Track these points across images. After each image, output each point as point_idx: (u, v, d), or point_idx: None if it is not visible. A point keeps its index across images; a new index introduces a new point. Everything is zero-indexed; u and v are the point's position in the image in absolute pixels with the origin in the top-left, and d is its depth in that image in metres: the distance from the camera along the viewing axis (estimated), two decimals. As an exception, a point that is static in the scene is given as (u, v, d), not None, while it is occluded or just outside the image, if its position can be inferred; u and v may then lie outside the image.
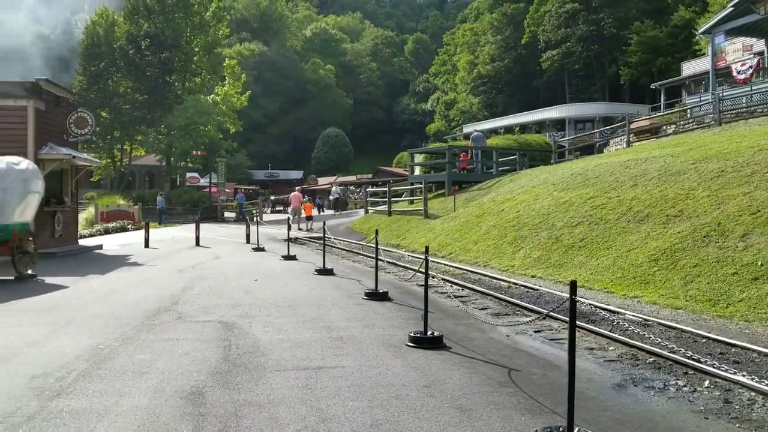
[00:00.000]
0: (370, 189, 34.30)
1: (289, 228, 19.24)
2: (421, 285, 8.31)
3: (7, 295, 10.64)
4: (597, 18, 60.22)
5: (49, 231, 18.67)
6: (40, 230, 17.30)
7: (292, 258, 16.74)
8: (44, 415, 4.82)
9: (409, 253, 17.35)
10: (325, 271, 13.63)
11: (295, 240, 22.55)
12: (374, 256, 11.14)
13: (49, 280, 12.75)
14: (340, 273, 13.81)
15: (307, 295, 10.73)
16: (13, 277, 12.68)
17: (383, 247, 14.88)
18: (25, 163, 13.94)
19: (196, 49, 47.37)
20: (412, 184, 27.77)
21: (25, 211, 13.67)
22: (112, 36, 46.56)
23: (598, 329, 7.89)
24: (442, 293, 10.91)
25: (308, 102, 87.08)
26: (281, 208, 51.47)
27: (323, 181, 64.37)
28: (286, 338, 7.49)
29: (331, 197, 46.98)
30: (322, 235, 15.47)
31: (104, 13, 47.97)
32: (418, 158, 29.57)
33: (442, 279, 11.31)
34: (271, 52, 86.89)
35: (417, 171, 28.68)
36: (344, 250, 19.50)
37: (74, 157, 19.19)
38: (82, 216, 28.97)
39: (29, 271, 13.13)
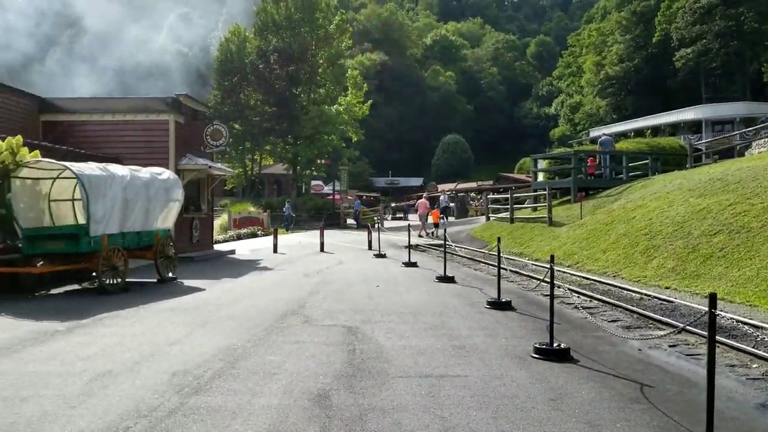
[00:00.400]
0: (491, 196, 33.90)
1: (411, 235, 19.38)
2: (546, 295, 8.08)
3: (150, 297, 11.45)
4: (736, 12, 56.29)
5: (188, 236, 19.93)
6: (180, 236, 18.49)
7: (413, 265, 16.86)
8: (184, 411, 5.13)
9: (533, 262, 16.97)
10: (446, 279, 13.60)
11: (416, 247, 22.70)
12: (496, 264, 10.97)
13: (187, 282, 13.60)
14: (461, 281, 13.75)
15: (428, 302, 10.76)
16: (155, 280, 13.67)
17: (505, 255, 14.61)
18: (167, 173, 14.96)
19: (321, 61, 48.96)
20: (535, 190, 27.15)
21: (167, 218, 14.66)
22: (243, 52, 49.06)
23: (739, 345, 7.37)
24: (568, 304, 10.57)
25: (428, 109, 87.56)
26: (401, 215, 52.00)
27: (443, 188, 64.39)
28: (408, 345, 7.54)
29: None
30: (442, 242, 15.46)
31: (236, 31, 50.69)
32: (542, 164, 28.85)
33: (569, 289, 10.95)
34: (392, 61, 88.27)
35: (540, 177, 28.01)
36: (465, 257, 19.38)
37: (210, 167, 20.39)
38: (217, 222, 30.64)
39: (170, 274, 14.08)
